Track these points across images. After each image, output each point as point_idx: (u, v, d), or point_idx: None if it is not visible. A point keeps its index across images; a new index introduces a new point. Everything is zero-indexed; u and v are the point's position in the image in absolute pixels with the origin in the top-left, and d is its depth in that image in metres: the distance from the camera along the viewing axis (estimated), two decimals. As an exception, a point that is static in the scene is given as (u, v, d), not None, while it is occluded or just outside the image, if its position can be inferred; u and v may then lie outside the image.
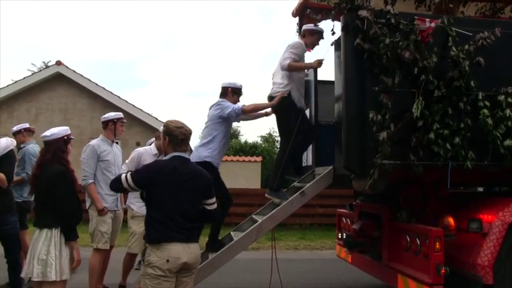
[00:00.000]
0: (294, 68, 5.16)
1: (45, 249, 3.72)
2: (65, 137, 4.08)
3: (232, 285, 6.66)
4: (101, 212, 5.19)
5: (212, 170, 4.67)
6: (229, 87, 5.27)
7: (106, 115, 5.64)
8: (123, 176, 3.43)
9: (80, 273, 4.25)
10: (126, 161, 5.89)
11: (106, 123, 5.55)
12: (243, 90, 5.36)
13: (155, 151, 5.79)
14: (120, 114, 5.68)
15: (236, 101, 5.23)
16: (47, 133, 4.02)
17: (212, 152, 5.00)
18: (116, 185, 3.51)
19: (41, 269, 3.69)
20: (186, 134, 3.53)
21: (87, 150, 5.32)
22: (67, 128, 4.20)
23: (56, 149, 3.97)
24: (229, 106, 5.05)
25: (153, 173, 3.40)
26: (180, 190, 3.35)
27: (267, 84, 38.11)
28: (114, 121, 5.53)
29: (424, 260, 4.13)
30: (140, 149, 5.99)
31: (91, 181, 5.22)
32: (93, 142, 5.42)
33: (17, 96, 15.48)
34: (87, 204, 5.29)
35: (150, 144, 6.25)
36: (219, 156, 5.10)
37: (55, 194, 3.78)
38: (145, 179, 3.40)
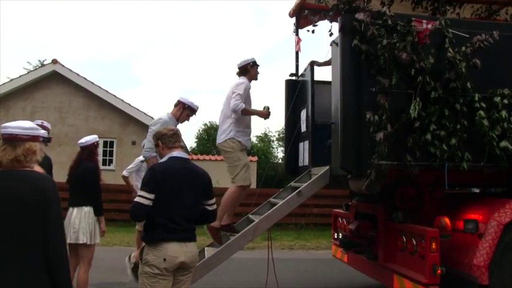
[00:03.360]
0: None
1: (78, 221, 4.94)
2: (95, 143, 5.37)
3: (228, 285, 6.66)
4: None
5: None
6: None
7: (188, 97, 5.27)
8: (137, 199, 3.29)
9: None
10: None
11: (178, 103, 5.21)
12: None
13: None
14: (195, 105, 5.25)
15: None
16: (82, 140, 5.34)
17: None
18: (139, 210, 3.29)
19: (74, 235, 4.89)
20: (173, 129, 3.66)
21: (158, 125, 4.90)
22: (95, 136, 5.48)
23: (89, 151, 5.30)
24: None
25: (158, 175, 3.33)
26: (184, 192, 3.35)
27: (260, 83, 38.13)
28: (185, 106, 5.17)
29: (420, 260, 4.15)
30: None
31: (154, 154, 4.74)
32: (164, 118, 5.05)
33: (13, 95, 15.39)
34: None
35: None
36: None
37: (91, 182, 5.08)
38: (154, 181, 3.29)
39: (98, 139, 5.49)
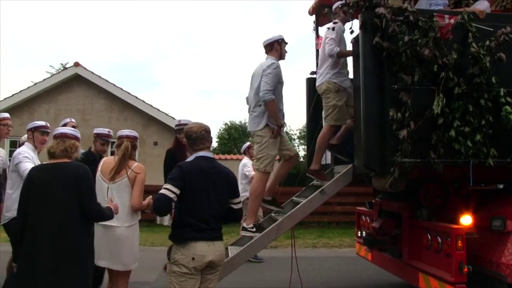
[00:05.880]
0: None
1: None
2: None
3: (252, 284, 6.68)
4: (279, 129, 4.99)
5: None
6: None
7: (269, 36, 5.37)
8: (162, 191, 3.30)
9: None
10: None
11: (272, 44, 5.23)
12: None
13: None
14: (281, 36, 5.30)
15: None
16: None
17: None
18: (162, 203, 3.30)
19: None
20: (202, 129, 3.60)
21: (272, 68, 5.02)
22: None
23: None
24: None
25: (185, 174, 3.36)
26: (210, 191, 3.39)
27: (283, 82, 37.80)
28: (279, 41, 5.22)
29: (446, 258, 4.11)
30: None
31: (273, 96, 4.94)
32: (276, 62, 5.14)
33: (37, 98, 15.69)
34: None
35: None
36: None
37: None
38: (181, 178, 3.33)
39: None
